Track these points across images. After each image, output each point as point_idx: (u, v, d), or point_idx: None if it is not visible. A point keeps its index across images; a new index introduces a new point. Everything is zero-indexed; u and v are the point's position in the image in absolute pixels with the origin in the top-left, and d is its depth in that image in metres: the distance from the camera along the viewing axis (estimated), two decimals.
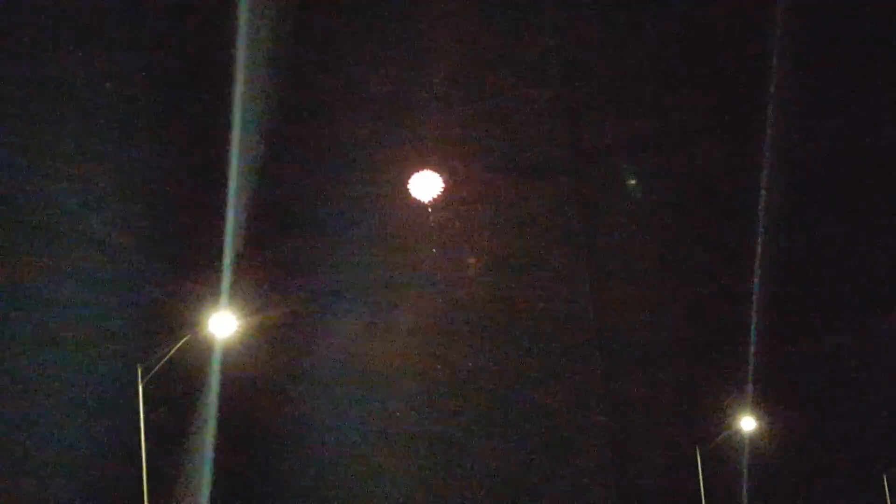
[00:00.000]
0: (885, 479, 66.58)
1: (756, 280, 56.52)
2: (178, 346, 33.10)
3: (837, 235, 61.74)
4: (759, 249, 55.67)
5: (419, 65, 49.87)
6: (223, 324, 34.13)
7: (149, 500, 31.99)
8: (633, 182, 55.21)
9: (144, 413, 32.28)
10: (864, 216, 61.17)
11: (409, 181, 49.49)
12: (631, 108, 54.76)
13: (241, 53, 40.99)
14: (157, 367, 32.63)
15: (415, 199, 49.55)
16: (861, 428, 66.14)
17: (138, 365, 32.56)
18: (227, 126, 41.33)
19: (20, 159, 39.20)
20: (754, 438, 61.89)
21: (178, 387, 39.10)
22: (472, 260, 52.81)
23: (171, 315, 37.25)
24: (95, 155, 41.19)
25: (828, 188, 60.02)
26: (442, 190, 49.63)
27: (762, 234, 55.17)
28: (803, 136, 55.97)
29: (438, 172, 49.88)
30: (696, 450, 57.12)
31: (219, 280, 39.52)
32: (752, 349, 58.54)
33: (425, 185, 49.52)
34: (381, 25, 48.46)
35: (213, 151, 42.33)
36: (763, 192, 54.29)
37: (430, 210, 48.43)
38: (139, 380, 32.38)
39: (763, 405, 61.48)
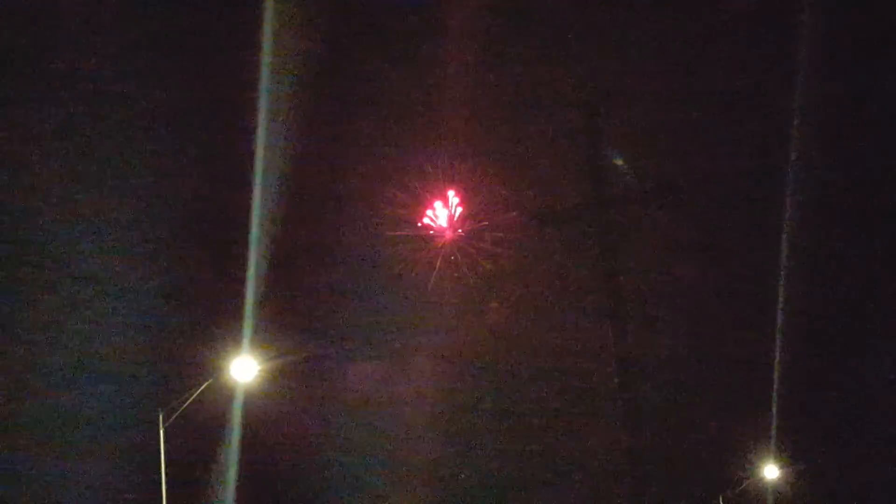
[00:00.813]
0: None
1: (781, 322, 56.21)
2: (199, 390, 33.13)
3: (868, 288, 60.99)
4: (783, 294, 55.41)
5: (443, 109, 50.15)
6: (245, 368, 34.15)
7: None
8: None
9: (165, 457, 32.32)
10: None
11: (430, 223, 49.63)
12: (655, 151, 54.81)
13: (264, 103, 41.41)
14: (179, 412, 32.68)
15: (437, 242, 49.66)
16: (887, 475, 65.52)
17: (160, 409, 32.63)
18: (249, 171, 41.62)
19: (47, 208, 39.61)
20: (777, 486, 61.39)
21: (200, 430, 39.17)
22: (494, 303, 52.80)
23: (193, 359, 37.35)
24: (119, 199, 41.55)
25: (859, 227, 59.39)
26: (464, 234, 49.73)
27: (786, 277, 54.89)
28: (833, 180, 55.60)
29: (461, 215, 50.00)
30: (719, 498, 56.76)
31: (240, 325, 39.63)
32: (776, 394, 58.17)
33: (446, 228, 49.63)
34: (398, 81, 48.86)
35: (234, 197, 42.61)
36: (788, 236, 54.07)
37: (452, 257, 48.50)
38: (161, 424, 32.43)
39: (787, 452, 61.06)
